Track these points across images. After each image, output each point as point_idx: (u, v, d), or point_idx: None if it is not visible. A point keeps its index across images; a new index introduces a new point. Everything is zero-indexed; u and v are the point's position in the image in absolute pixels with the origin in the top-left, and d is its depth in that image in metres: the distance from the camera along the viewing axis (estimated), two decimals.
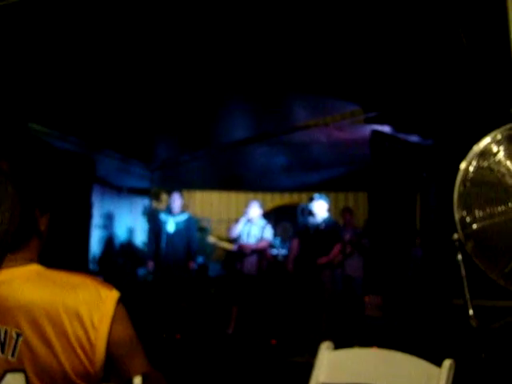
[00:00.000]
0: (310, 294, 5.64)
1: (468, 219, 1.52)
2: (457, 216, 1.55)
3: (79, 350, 1.10)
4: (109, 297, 1.15)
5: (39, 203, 1.20)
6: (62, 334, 1.09)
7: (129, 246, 8.52)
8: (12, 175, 1.08)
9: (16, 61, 3.85)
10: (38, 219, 1.20)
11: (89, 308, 1.12)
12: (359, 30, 3.97)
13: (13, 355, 1.08)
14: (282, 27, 3.91)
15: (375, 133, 6.03)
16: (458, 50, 3.71)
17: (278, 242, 7.56)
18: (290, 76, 4.79)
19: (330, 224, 5.86)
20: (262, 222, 6.33)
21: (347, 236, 6.44)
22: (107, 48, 3.94)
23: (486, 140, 1.53)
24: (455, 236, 1.56)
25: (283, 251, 7.46)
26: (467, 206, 1.53)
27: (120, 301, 1.17)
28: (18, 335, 1.08)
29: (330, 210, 5.93)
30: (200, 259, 7.66)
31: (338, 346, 1.59)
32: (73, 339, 1.10)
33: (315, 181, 7.95)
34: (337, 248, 5.77)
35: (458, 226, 1.54)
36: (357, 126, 6.43)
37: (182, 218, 6.21)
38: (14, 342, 1.08)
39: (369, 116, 6.00)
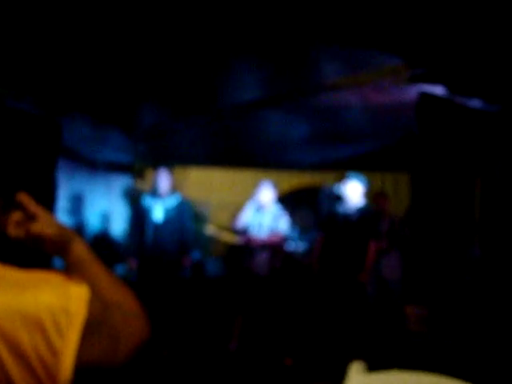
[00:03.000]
0: (337, 302, 5.72)
1: None
2: None
3: (40, 370, 1.08)
4: (80, 295, 1.15)
5: None
6: (17, 349, 1.08)
7: (104, 237, 8.57)
8: None
9: None
10: None
11: (53, 312, 1.10)
12: None
13: None
14: None
15: (424, 96, 5.95)
16: None
17: (295, 234, 7.66)
18: (314, 20, 4.69)
19: (365, 213, 5.89)
20: (276, 208, 6.40)
21: (382, 227, 6.57)
22: None
23: None
24: None
25: (302, 246, 7.58)
26: None
27: (92, 299, 1.17)
28: None
29: (366, 196, 6.01)
30: (196, 255, 7.71)
31: (372, 368, 1.57)
32: (32, 356, 1.07)
33: (344, 157, 7.98)
34: (372, 247, 5.80)
35: None
36: (400, 86, 6.30)
37: (173, 202, 6.28)
38: None
39: (416, 73, 5.87)
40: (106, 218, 8.78)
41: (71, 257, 1.30)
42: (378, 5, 4.33)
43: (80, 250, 1.31)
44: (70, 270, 1.28)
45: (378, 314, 6.47)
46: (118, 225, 8.94)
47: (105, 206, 8.88)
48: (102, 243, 8.38)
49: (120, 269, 7.45)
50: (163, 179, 6.30)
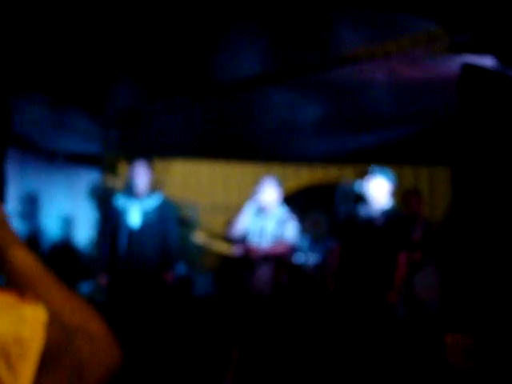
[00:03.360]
0: (359, 329, 5.67)
1: None
2: None
3: None
4: (35, 318, 1.13)
5: None
6: None
7: (65, 247, 8.59)
8: None
9: None
10: None
11: (2, 340, 1.09)
12: None
13: None
14: None
15: (467, 68, 5.86)
16: None
17: (306, 243, 7.66)
18: None
19: (394, 218, 5.87)
20: (282, 211, 6.43)
21: (415, 235, 6.58)
22: None
23: None
24: None
25: (314, 258, 7.57)
26: None
27: (50, 323, 1.16)
28: None
29: (394, 195, 6.01)
30: (181, 269, 7.74)
31: None
32: None
33: (366, 146, 8.00)
34: (403, 259, 5.77)
35: None
36: (437, 57, 6.31)
37: (153, 203, 6.28)
38: None
39: (457, 41, 5.89)
40: (68, 224, 8.76)
41: (11, 268, 1.25)
42: None
43: (22, 258, 1.27)
44: (12, 286, 1.24)
45: (410, 343, 6.40)
46: (84, 232, 8.92)
47: (67, 209, 8.86)
48: (62, 255, 8.38)
49: (86, 287, 7.47)
50: (141, 175, 6.27)
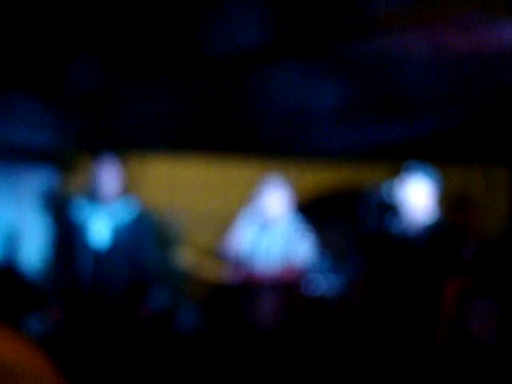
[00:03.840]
0: (396, 376, 5.62)
1: None
2: None
3: None
4: None
5: None
6: None
7: (8, 270, 8.57)
8: None
9: None
10: None
11: None
12: None
13: None
14: None
15: None
16: None
17: (324, 264, 7.62)
18: None
19: (439, 234, 5.78)
20: (293, 224, 6.44)
21: (466, 257, 6.46)
22: None
23: None
24: None
25: (335, 284, 7.56)
26: None
27: None
28: None
29: (441, 202, 5.89)
30: (160, 299, 7.67)
31: None
32: None
33: (400, 139, 8.09)
34: (451, 287, 5.74)
35: None
36: (492, 22, 6.45)
37: (126, 214, 6.15)
38: None
39: None
40: (11, 240, 8.75)
41: None
42: None
43: None
44: None
45: None
46: (32, 250, 8.82)
47: (9, 220, 8.87)
48: (4, 280, 8.36)
49: (35, 323, 7.44)
50: (108, 175, 6.14)
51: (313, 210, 7.96)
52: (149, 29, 6.09)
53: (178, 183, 9.76)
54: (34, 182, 8.77)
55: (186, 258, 7.41)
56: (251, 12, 6.15)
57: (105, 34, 6.21)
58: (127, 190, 6.39)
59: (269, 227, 6.26)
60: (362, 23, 6.39)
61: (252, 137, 8.45)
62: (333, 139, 8.35)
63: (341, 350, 6.72)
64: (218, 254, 7.00)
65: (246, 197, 7.29)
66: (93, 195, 6.17)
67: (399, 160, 6.89)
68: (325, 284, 7.43)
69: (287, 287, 6.22)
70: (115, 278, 6.03)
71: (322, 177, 9.68)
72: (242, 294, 6.24)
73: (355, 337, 6.10)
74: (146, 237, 6.25)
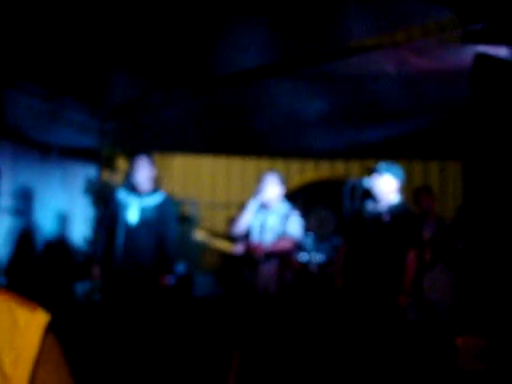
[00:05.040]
0: (368, 330, 5.61)
1: None
2: None
3: None
4: (31, 324, 1.17)
5: None
6: None
7: (60, 244, 8.55)
8: None
9: None
10: None
11: None
12: None
13: None
14: None
15: (480, 59, 5.90)
16: None
17: (311, 241, 7.69)
18: None
19: (401, 214, 5.77)
20: (285, 207, 6.35)
21: (426, 234, 6.58)
22: None
23: None
24: None
25: (320, 256, 7.60)
26: None
27: (49, 330, 1.19)
28: None
29: (402, 191, 5.91)
30: (180, 268, 7.77)
31: None
32: None
33: (373, 141, 8.05)
34: (412, 257, 5.65)
35: None
36: (448, 47, 6.30)
37: (153, 200, 6.24)
38: None
39: (470, 30, 5.86)
40: (63, 220, 8.75)
41: None
42: None
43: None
44: None
45: (421, 346, 6.41)
46: (80, 229, 8.89)
47: (62, 205, 8.82)
48: (57, 252, 8.36)
49: (80, 288, 7.46)
50: (143, 171, 6.20)
51: (302, 197, 8.07)
52: (173, 51, 6.06)
53: (194, 177, 9.94)
54: (81, 175, 8.75)
55: (200, 234, 7.33)
56: (254, 38, 6.04)
57: (137, 56, 6.15)
58: (155, 181, 6.43)
59: (265, 209, 6.20)
60: (343, 48, 6.30)
61: (254, 140, 8.42)
62: (319, 142, 8.34)
63: (323, 305, 6.79)
64: (225, 231, 7.02)
65: (247, 188, 7.44)
66: (129, 186, 6.22)
67: (372, 158, 7.14)
68: (310, 255, 7.50)
69: (281, 256, 6.10)
70: (141, 250, 6.10)
71: (310, 171, 9.74)
72: (246, 262, 6.15)
73: (335, 295, 6.05)
74: (168, 218, 6.26)
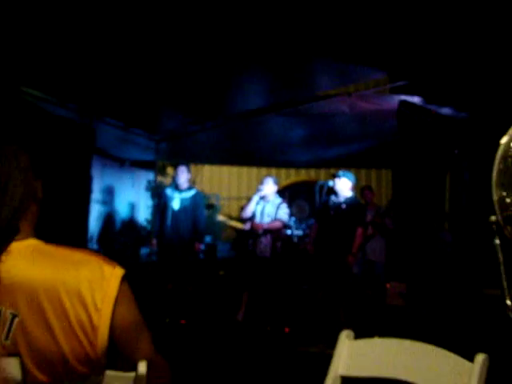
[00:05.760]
0: (328, 279, 5.56)
1: (508, 200, 1.47)
2: (495, 196, 1.49)
3: (80, 333, 1.08)
4: (113, 275, 1.14)
5: (33, 167, 1.20)
6: (62, 314, 1.07)
7: (131, 223, 8.52)
8: (20, 152, 1.12)
9: (9, 18, 3.79)
10: (35, 184, 1.19)
11: (91, 287, 1.10)
12: None
13: (7, 338, 1.06)
14: None
15: (403, 104, 5.95)
16: (497, 13, 3.60)
17: (293, 222, 7.52)
18: (310, 40, 4.66)
19: (352, 204, 5.73)
20: (277, 199, 6.28)
21: (368, 216, 6.45)
22: (109, 8, 3.85)
23: None
24: (492, 218, 1.50)
25: (298, 232, 7.44)
26: (508, 185, 1.47)
27: (125, 279, 1.16)
28: (14, 316, 1.06)
29: (354, 189, 5.83)
30: (208, 239, 7.68)
31: (357, 336, 1.57)
32: (74, 321, 1.08)
33: (335, 156, 7.89)
34: (360, 231, 5.61)
35: (497, 208, 1.49)
36: (383, 95, 6.43)
37: (189, 194, 6.21)
38: (8, 323, 1.06)
39: (396, 85, 5.93)
40: (132, 207, 8.72)
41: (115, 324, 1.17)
42: (366, 27, 4.36)
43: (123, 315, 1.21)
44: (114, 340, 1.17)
45: (363, 290, 6.38)
46: (143, 213, 8.85)
47: (131, 197, 8.80)
48: (129, 228, 8.31)
49: (144, 250, 7.39)
50: (182, 175, 6.17)
51: (288, 192, 7.84)
52: (203, 97, 6.00)
53: (216, 179, 9.86)
54: (144, 178, 8.67)
55: (221, 217, 7.26)
56: (257, 88, 6.08)
57: (180, 99, 6.12)
58: (191, 182, 6.42)
59: (264, 200, 6.14)
60: (314, 95, 6.43)
61: (256, 155, 8.22)
62: (298, 156, 8.18)
63: (301, 264, 6.72)
64: (237, 215, 6.88)
65: (252, 187, 7.32)
66: (174, 185, 6.22)
67: (333, 167, 7.04)
68: (293, 232, 7.37)
69: (274, 232, 6.08)
70: (183, 227, 6.05)
71: (293, 175, 9.66)
72: (250, 235, 6.11)
73: (308, 257, 5.94)
74: (199, 206, 6.22)
